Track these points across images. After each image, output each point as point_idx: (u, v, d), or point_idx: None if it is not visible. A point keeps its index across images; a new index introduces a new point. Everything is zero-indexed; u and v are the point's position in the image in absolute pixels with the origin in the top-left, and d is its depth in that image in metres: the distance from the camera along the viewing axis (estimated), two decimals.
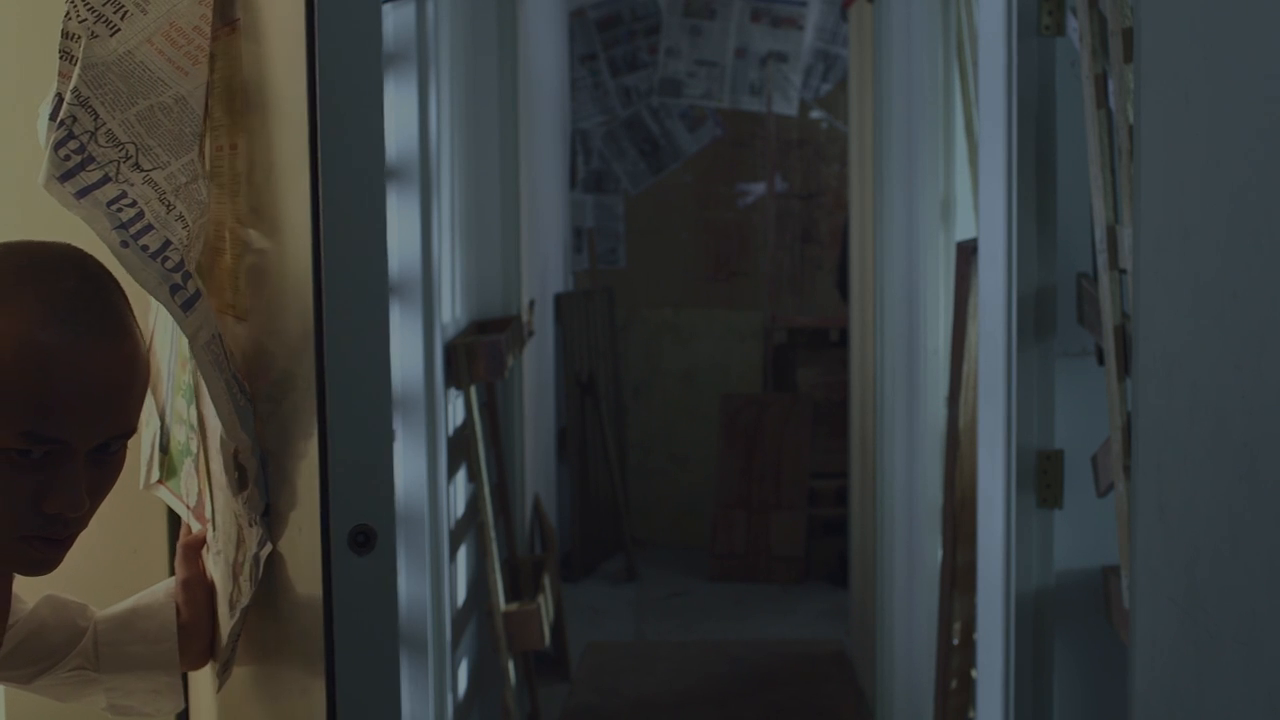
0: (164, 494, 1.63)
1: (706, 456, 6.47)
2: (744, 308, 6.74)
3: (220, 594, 1.46)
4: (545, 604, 4.05)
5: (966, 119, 3.55)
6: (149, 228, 1.27)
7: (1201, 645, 1.23)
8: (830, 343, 6.30)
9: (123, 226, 1.26)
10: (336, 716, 1.16)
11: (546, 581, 4.24)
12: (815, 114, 6.82)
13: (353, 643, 1.16)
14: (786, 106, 6.80)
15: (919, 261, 3.77)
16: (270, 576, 1.32)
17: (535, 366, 5.21)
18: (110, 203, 1.27)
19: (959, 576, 3.22)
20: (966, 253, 3.22)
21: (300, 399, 1.26)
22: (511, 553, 4.22)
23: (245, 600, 1.34)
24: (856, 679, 4.71)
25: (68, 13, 1.31)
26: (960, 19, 3.59)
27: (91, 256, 1.30)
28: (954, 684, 3.30)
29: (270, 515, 1.32)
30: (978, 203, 2.86)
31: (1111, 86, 1.96)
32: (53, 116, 1.30)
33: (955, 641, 3.28)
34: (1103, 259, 2.00)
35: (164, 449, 1.60)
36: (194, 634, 1.55)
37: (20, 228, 1.77)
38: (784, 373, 6.46)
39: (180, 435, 1.57)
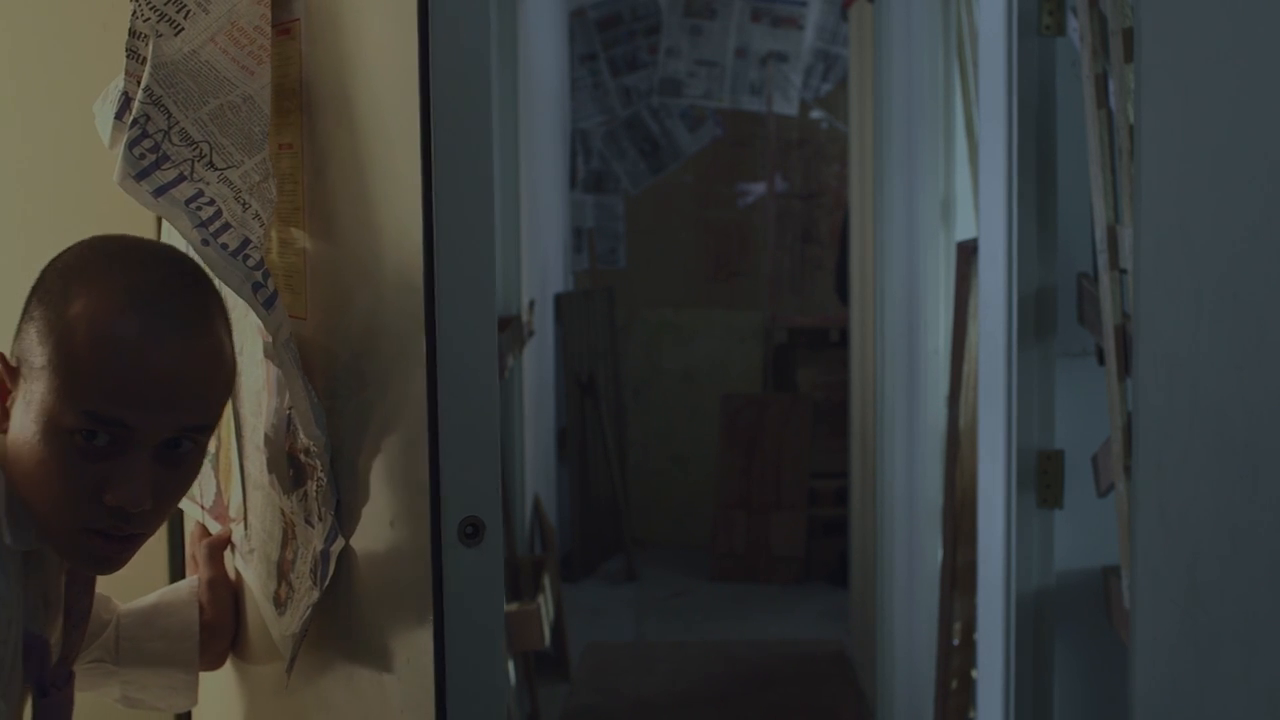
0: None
1: (706, 456, 6.47)
2: (744, 308, 6.74)
3: (259, 593, 1.46)
4: (545, 604, 4.05)
5: (967, 119, 3.55)
6: (227, 226, 1.28)
7: (1202, 645, 1.23)
8: (830, 343, 6.30)
9: (203, 225, 1.27)
10: (446, 702, 1.18)
11: (546, 581, 4.25)
12: (815, 114, 6.82)
13: (463, 631, 1.18)
14: (786, 106, 6.80)
15: (919, 261, 3.77)
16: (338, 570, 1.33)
17: (535, 366, 5.21)
18: (188, 201, 1.28)
19: (959, 577, 3.22)
20: (967, 253, 3.21)
21: (373, 396, 1.27)
22: (511, 553, 4.22)
23: (315, 596, 1.33)
24: (857, 679, 4.70)
25: (135, 11, 1.32)
26: (960, 19, 3.59)
27: (190, 258, 1.30)
28: (954, 684, 3.30)
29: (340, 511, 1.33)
30: (978, 203, 2.86)
31: (1112, 86, 1.96)
32: (119, 115, 1.30)
33: (955, 642, 3.28)
34: (1103, 259, 2.00)
35: None
36: (216, 634, 1.56)
37: (19, 228, 1.77)
38: (784, 373, 6.46)
39: None
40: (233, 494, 1.54)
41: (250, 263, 1.26)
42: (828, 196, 6.80)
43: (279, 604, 1.40)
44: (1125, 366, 1.95)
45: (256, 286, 1.26)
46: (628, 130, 6.84)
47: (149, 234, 1.74)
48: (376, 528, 1.28)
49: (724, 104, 6.82)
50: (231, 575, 1.57)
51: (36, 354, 1.22)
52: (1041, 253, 2.25)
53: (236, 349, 1.38)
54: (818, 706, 4.58)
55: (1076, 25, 2.13)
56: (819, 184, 6.82)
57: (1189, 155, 1.26)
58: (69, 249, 1.29)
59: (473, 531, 1.19)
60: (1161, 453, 1.32)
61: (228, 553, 1.57)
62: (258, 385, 1.42)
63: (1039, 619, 2.28)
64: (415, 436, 1.20)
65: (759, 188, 6.82)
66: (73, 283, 1.23)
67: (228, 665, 1.62)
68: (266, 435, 1.39)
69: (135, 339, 1.20)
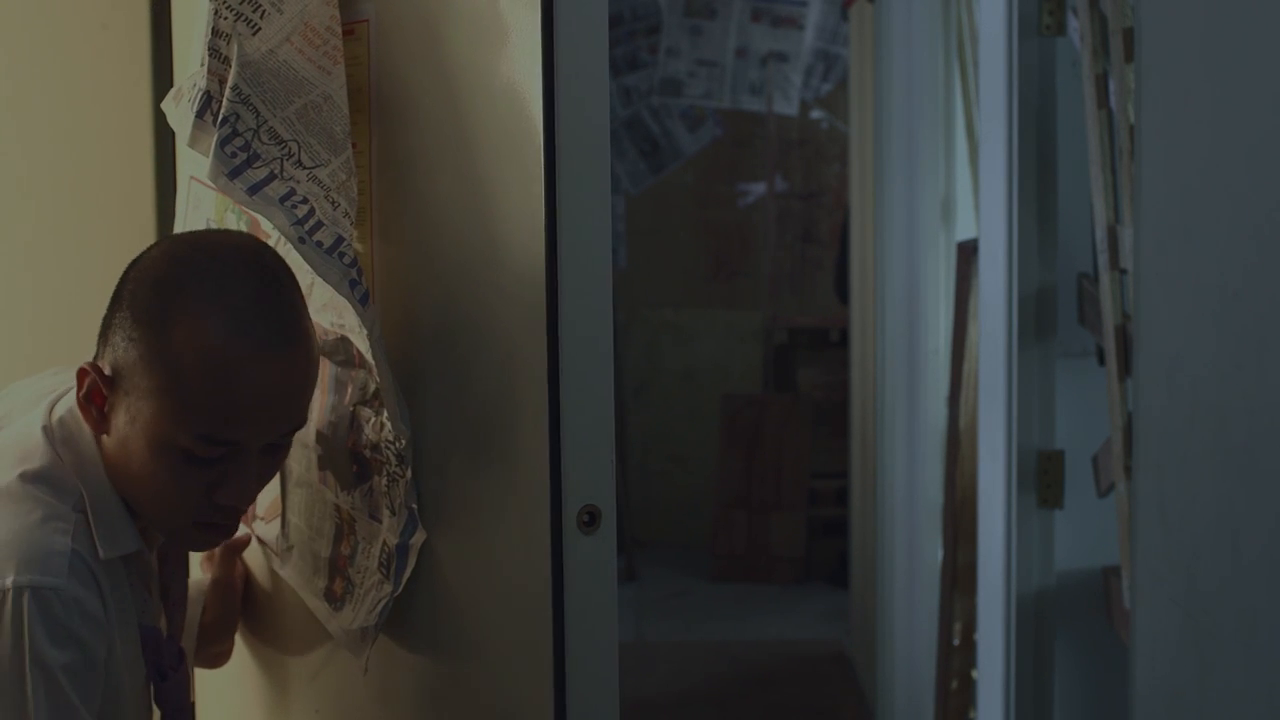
0: None
1: (706, 456, 6.47)
2: (744, 308, 6.74)
3: (302, 588, 1.47)
4: None
5: (967, 119, 3.55)
6: (320, 224, 1.29)
7: (1202, 645, 1.23)
8: (830, 343, 6.30)
9: (299, 223, 1.28)
10: (566, 688, 1.21)
11: None
12: (815, 114, 6.82)
13: (582, 618, 1.21)
14: (787, 106, 6.80)
15: (919, 261, 3.77)
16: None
17: None
18: (282, 199, 1.29)
19: (960, 577, 3.22)
20: (967, 253, 3.21)
21: (450, 391, 1.30)
22: None
23: (388, 589, 1.34)
24: (857, 679, 4.70)
25: (216, 10, 1.32)
26: (961, 19, 3.59)
27: (268, 247, 1.32)
28: (955, 684, 3.30)
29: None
30: (978, 203, 2.86)
31: (1112, 86, 1.96)
32: (200, 114, 1.31)
33: (956, 642, 3.28)
34: (1103, 259, 2.00)
35: None
36: (216, 634, 1.57)
37: (18, 228, 1.77)
38: (784, 373, 6.46)
39: None
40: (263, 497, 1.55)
41: (346, 260, 1.28)
42: (828, 196, 6.79)
43: (333, 599, 1.41)
44: (1125, 366, 1.95)
45: (353, 284, 1.28)
46: (628, 130, 6.84)
47: (148, 232, 1.74)
48: (469, 519, 1.30)
49: (724, 104, 6.82)
50: (262, 576, 1.58)
51: (140, 376, 1.24)
52: (1042, 253, 2.25)
53: None
54: (818, 707, 4.58)
55: (1077, 25, 2.13)
56: (819, 184, 6.82)
57: (1189, 155, 1.26)
58: (154, 255, 1.29)
59: (589, 519, 1.22)
60: (1162, 453, 1.32)
61: (252, 550, 1.58)
62: None
63: (1039, 619, 2.28)
64: (523, 429, 1.22)
65: (759, 188, 6.81)
66: (170, 304, 1.24)
67: (234, 660, 1.62)
68: (320, 433, 1.40)
69: (244, 364, 1.23)
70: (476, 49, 1.24)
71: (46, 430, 1.30)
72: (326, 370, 1.40)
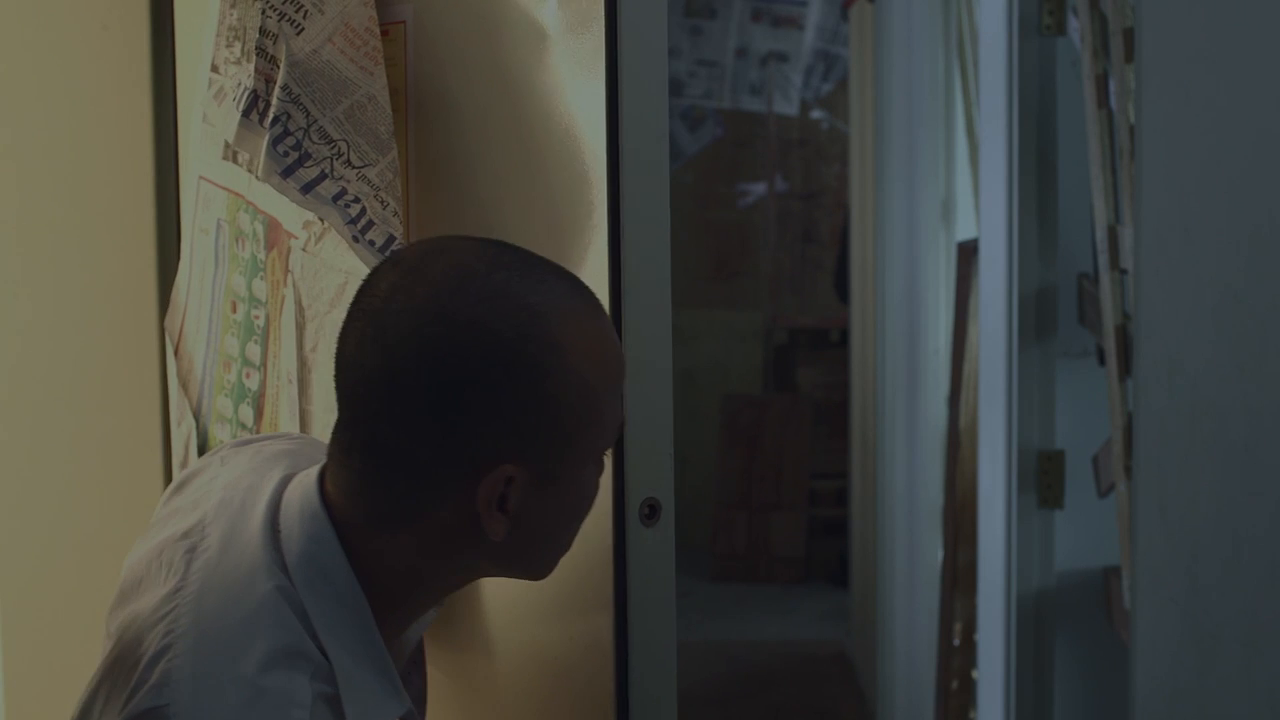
0: None
1: (706, 457, 6.47)
2: (744, 308, 6.74)
3: None
4: None
5: (967, 119, 3.55)
6: (371, 223, 1.30)
7: (1202, 645, 1.23)
8: (831, 343, 6.30)
9: (352, 221, 1.29)
10: (628, 678, 1.23)
11: None
12: (816, 114, 6.82)
13: (643, 609, 1.23)
14: (787, 106, 6.80)
15: (919, 261, 3.77)
16: None
17: None
18: (335, 197, 1.29)
19: (960, 577, 3.22)
20: (967, 253, 3.21)
21: None
22: None
23: None
24: (857, 680, 4.70)
25: (263, 10, 1.33)
26: (961, 19, 3.59)
27: (470, 238, 1.14)
28: (955, 685, 3.30)
29: None
30: (978, 203, 2.86)
31: (1113, 86, 1.96)
32: (247, 113, 1.31)
33: (956, 642, 3.28)
34: (1104, 259, 2.00)
35: (202, 450, 1.60)
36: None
37: (16, 228, 1.77)
38: (784, 373, 6.46)
39: (223, 434, 1.57)
40: None
41: None
42: (828, 196, 6.79)
43: None
44: (1126, 367, 1.95)
45: None
46: None
47: (148, 233, 1.74)
48: None
49: (724, 104, 6.82)
50: None
51: (547, 432, 1.04)
52: (1042, 253, 2.25)
53: (311, 347, 1.39)
54: (818, 707, 4.58)
55: (1077, 25, 2.13)
56: (819, 184, 6.82)
57: (1189, 155, 1.26)
58: (428, 335, 1.01)
59: (650, 512, 1.24)
60: (1162, 453, 1.32)
61: None
62: None
63: (1039, 619, 2.28)
64: None
65: (759, 188, 6.81)
66: (525, 343, 1.02)
67: None
68: None
69: (604, 328, 1.09)
70: (529, 54, 1.26)
71: (280, 588, 1.03)
72: None
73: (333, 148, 1.31)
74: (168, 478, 1.69)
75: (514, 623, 1.34)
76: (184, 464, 1.62)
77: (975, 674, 2.92)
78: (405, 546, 1.06)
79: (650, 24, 1.23)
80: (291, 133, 1.30)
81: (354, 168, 1.31)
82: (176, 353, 1.62)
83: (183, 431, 1.61)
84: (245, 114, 1.32)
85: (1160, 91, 1.32)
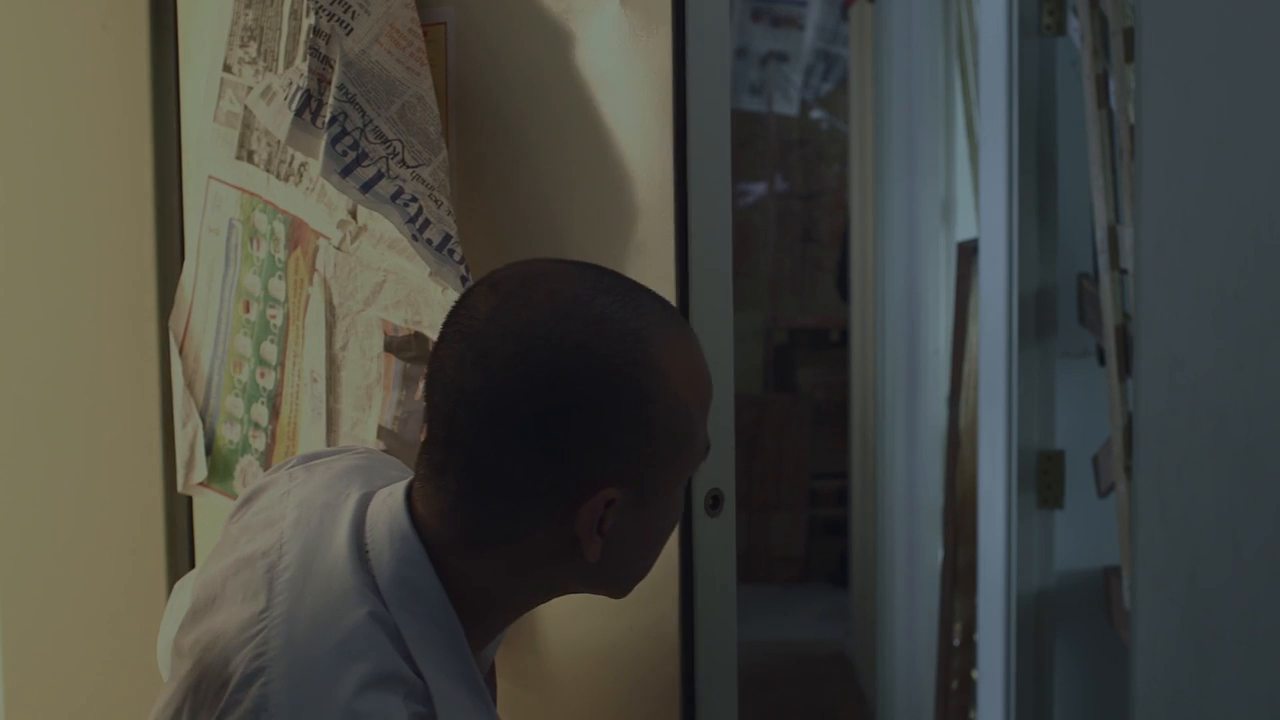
0: (210, 496, 1.62)
1: None
2: (744, 308, 6.74)
3: None
4: None
5: (967, 119, 3.55)
6: (428, 222, 1.31)
7: (1202, 645, 1.23)
8: (831, 343, 6.30)
9: (411, 220, 1.30)
10: (695, 660, 1.27)
11: None
12: (816, 114, 6.82)
13: (709, 595, 1.28)
14: (787, 106, 6.80)
15: (919, 261, 3.77)
16: None
17: None
18: (393, 196, 1.30)
19: (960, 577, 3.22)
20: (967, 253, 3.22)
21: None
22: None
23: None
24: (857, 680, 4.70)
25: (316, 10, 1.34)
26: (961, 19, 3.59)
27: (558, 260, 1.14)
28: (955, 685, 3.30)
29: None
30: (978, 203, 2.86)
31: (1112, 86, 1.96)
32: (299, 112, 1.32)
33: (956, 642, 3.28)
34: (1104, 259, 2.00)
35: (207, 450, 1.60)
36: None
37: (15, 228, 1.77)
38: (784, 373, 6.46)
39: (232, 434, 1.57)
40: None
41: (455, 257, 1.29)
42: (828, 196, 6.79)
43: None
44: (1126, 367, 1.95)
45: (464, 279, 1.29)
46: None
47: (147, 233, 1.74)
48: None
49: None
50: None
51: (633, 472, 1.04)
52: (1042, 253, 2.25)
53: (341, 345, 1.39)
54: (818, 707, 4.58)
55: (1077, 25, 2.13)
56: (819, 184, 6.82)
57: (1189, 155, 1.26)
58: (536, 362, 1.00)
59: (714, 502, 1.29)
60: (1162, 453, 1.32)
61: None
62: (369, 380, 1.42)
63: (1039, 619, 2.28)
64: None
65: (759, 188, 6.81)
66: (632, 371, 1.02)
67: None
68: (383, 428, 1.40)
69: (694, 351, 1.10)
70: (569, 55, 1.26)
71: (373, 613, 1.02)
72: (392, 366, 1.40)
73: (388, 147, 1.32)
74: (168, 478, 1.69)
75: (573, 615, 1.35)
76: (188, 464, 1.62)
77: (975, 674, 2.92)
78: (494, 566, 1.06)
79: (715, 22, 1.23)
80: (349, 132, 1.31)
81: (409, 167, 1.32)
82: (181, 352, 1.62)
83: (188, 431, 1.61)
84: (298, 113, 1.32)
85: (1160, 91, 1.32)
